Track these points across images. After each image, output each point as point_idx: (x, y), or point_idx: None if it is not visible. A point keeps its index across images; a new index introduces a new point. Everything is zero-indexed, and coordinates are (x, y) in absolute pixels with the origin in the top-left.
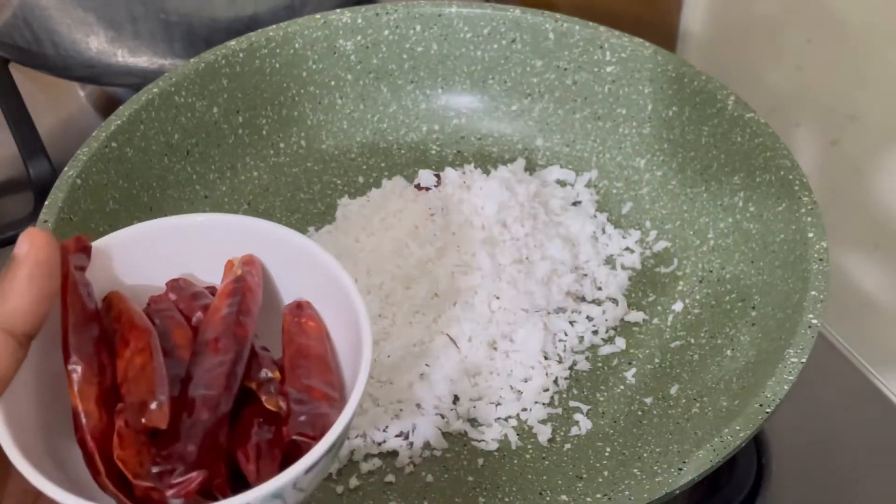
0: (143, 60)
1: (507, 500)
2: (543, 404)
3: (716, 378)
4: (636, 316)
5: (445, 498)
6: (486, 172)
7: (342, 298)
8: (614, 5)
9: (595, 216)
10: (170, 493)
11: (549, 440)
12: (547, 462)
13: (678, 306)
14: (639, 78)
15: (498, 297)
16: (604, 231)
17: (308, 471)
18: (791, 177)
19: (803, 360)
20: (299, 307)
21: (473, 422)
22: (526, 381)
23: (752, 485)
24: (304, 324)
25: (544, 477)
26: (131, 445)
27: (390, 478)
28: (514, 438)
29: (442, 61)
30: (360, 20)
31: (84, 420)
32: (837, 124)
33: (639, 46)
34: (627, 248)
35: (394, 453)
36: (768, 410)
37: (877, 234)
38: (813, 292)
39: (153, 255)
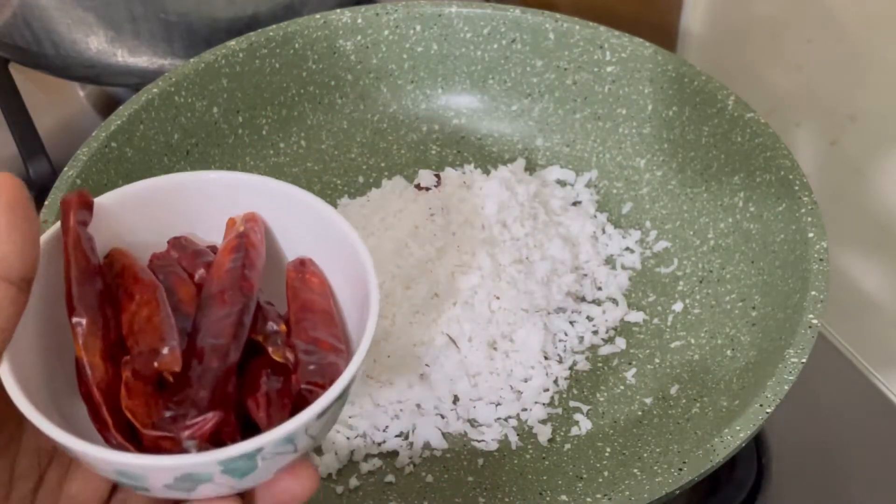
0: (143, 60)
1: (507, 500)
2: (543, 404)
3: (716, 378)
4: (636, 316)
5: (445, 498)
6: (486, 172)
7: (347, 253)
8: (614, 5)
9: (595, 216)
10: (185, 434)
11: (549, 440)
12: (547, 462)
13: (678, 306)
14: (639, 78)
15: (498, 297)
16: (604, 231)
17: (320, 416)
18: (791, 177)
19: (803, 360)
20: (302, 264)
21: (473, 422)
22: (526, 381)
23: (752, 485)
24: (308, 279)
25: (544, 477)
26: (139, 396)
27: (390, 478)
28: (514, 438)
29: (442, 61)
30: (360, 20)
31: (90, 372)
32: (837, 124)
33: (639, 46)
34: (627, 248)
35: (394, 453)
36: (768, 410)
37: (877, 234)
38: (813, 292)
39: (154, 212)
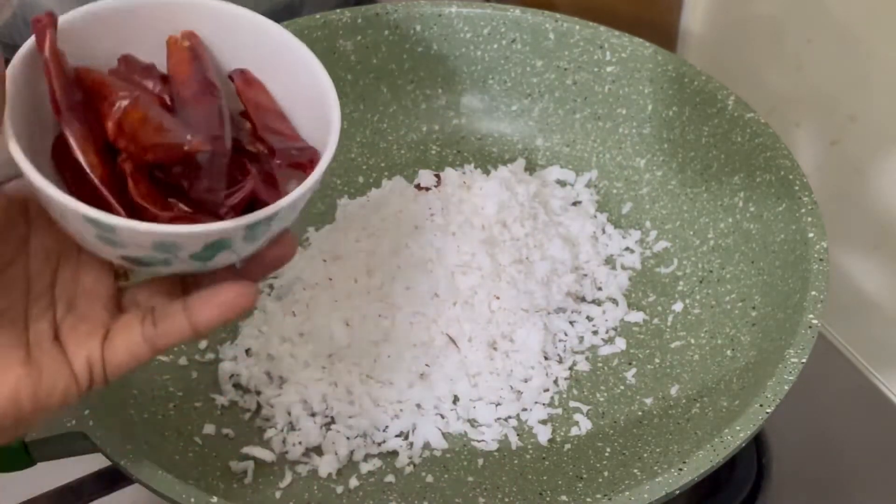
0: None
1: (507, 500)
2: (543, 404)
3: (716, 378)
4: (636, 316)
5: (445, 498)
6: (486, 172)
7: (287, 60)
8: (614, 5)
9: (595, 216)
10: (228, 201)
11: (549, 440)
12: (547, 462)
13: (678, 306)
14: (639, 78)
15: (498, 297)
16: (604, 231)
17: (311, 190)
18: (791, 177)
19: (803, 361)
20: (243, 73)
21: (473, 422)
22: (526, 381)
23: (752, 485)
24: (255, 85)
25: (544, 477)
26: (145, 187)
27: (390, 478)
28: (514, 438)
29: (442, 61)
30: (360, 20)
31: (90, 171)
32: (837, 124)
33: (639, 46)
34: (627, 248)
35: (394, 453)
36: (768, 410)
37: (877, 234)
38: (813, 292)
39: (99, 34)
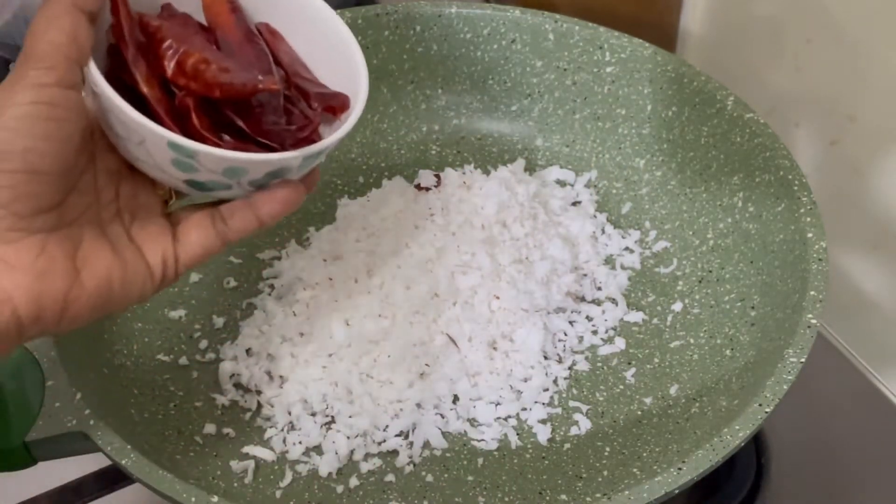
0: None
1: (506, 499)
2: (543, 404)
3: (715, 378)
4: (636, 316)
5: (445, 498)
6: (486, 172)
7: (310, 17)
8: (614, 5)
9: (595, 216)
10: (301, 133)
11: (549, 440)
12: (547, 462)
13: (678, 306)
14: (638, 78)
15: (498, 297)
16: (603, 231)
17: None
18: (790, 177)
19: (802, 360)
20: (267, 26)
21: (473, 421)
22: (526, 380)
23: (751, 485)
24: (279, 38)
25: (544, 476)
26: (206, 119)
27: (390, 478)
28: (513, 438)
29: (442, 61)
30: (360, 20)
31: (156, 104)
32: (837, 124)
33: (638, 47)
34: (627, 248)
35: (394, 453)
36: (767, 410)
37: (876, 234)
38: (812, 292)
39: None
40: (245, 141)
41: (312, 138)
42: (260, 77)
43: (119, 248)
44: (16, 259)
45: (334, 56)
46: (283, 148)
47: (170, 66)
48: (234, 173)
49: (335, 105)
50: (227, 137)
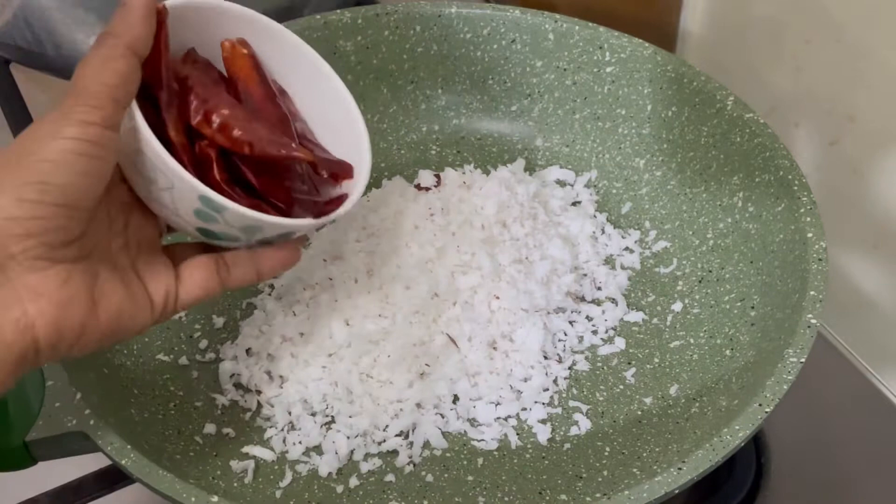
0: None
1: (506, 499)
2: (543, 404)
3: (715, 378)
4: (635, 316)
5: (445, 498)
6: (486, 172)
7: (322, 86)
8: (614, 5)
9: (595, 216)
10: (329, 208)
11: (549, 440)
12: (547, 462)
13: (678, 306)
14: (638, 78)
15: (498, 297)
16: (603, 231)
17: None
18: (790, 177)
19: (802, 360)
20: (278, 85)
21: (473, 421)
22: (526, 380)
23: (751, 485)
24: (287, 99)
25: (544, 476)
26: (225, 172)
27: (390, 477)
28: (513, 438)
29: (442, 61)
30: (360, 20)
31: (180, 151)
32: (836, 124)
33: (638, 47)
34: (627, 248)
35: (394, 453)
36: (767, 410)
37: (876, 234)
38: (812, 292)
39: (175, 29)
40: (254, 197)
41: (327, 210)
42: (294, 145)
43: (128, 283)
44: (43, 287)
45: (338, 122)
46: (290, 208)
47: (196, 116)
48: (250, 231)
49: (339, 173)
50: (238, 190)
